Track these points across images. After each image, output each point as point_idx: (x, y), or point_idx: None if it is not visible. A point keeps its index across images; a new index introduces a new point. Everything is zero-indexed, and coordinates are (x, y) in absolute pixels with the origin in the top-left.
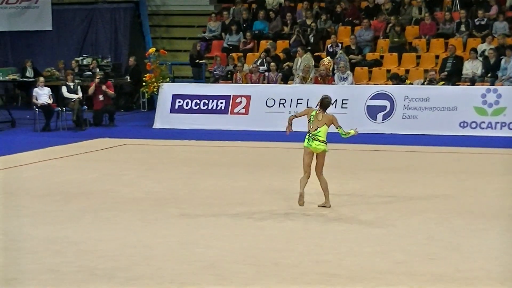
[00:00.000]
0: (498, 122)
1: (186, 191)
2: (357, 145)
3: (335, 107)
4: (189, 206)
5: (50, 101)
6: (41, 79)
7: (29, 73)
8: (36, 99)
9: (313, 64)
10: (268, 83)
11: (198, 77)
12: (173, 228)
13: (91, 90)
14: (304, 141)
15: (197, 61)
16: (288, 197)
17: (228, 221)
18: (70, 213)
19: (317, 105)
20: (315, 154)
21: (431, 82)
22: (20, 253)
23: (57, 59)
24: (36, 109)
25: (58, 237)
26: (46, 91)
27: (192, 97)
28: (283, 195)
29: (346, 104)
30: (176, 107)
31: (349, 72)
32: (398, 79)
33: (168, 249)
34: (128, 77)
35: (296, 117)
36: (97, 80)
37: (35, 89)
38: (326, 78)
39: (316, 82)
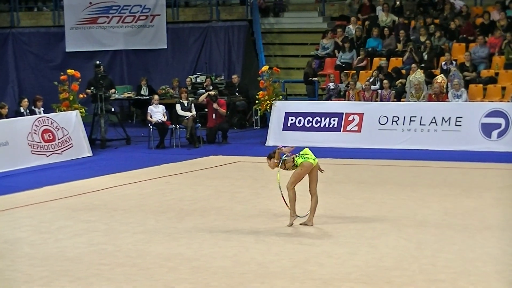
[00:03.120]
0: None
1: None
2: (471, 163)
3: (449, 124)
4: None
5: (164, 119)
6: (156, 97)
7: (144, 91)
8: (151, 117)
9: (423, 81)
10: (381, 100)
11: (312, 95)
12: (286, 245)
13: (201, 98)
14: (305, 158)
15: (310, 78)
16: (401, 216)
17: (340, 239)
18: (184, 230)
19: None
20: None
21: None
22: (134, 269)
23: (172, 77)
24: (151, 127)
25: (172, 254)
26: (161, 108)
27: (304, 114)
28: (396, 213)
29: (460, 121)
30: (289, 125)
31: (463, 89)
32: None
33: (281, 267)
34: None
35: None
36: (212, 93)
37: (150, 107)
38: (440, 96)
39: (429, 99)
